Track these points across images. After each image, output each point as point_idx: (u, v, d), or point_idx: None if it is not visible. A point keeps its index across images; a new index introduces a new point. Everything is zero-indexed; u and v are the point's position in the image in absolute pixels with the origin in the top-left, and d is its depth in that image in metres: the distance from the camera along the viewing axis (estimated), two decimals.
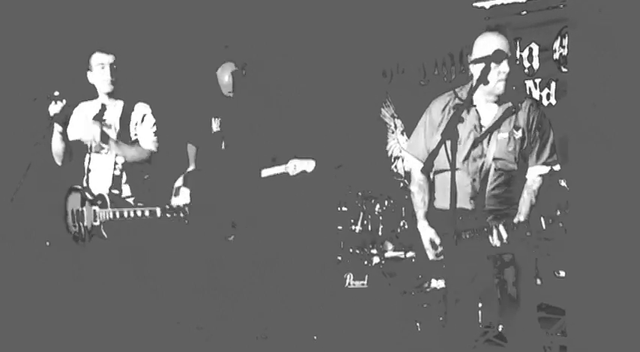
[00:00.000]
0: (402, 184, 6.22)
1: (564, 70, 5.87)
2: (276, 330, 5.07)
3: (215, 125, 5.27)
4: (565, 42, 5.85)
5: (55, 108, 4.18)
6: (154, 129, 4.39)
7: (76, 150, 4.37)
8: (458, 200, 3.43)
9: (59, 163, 4.41)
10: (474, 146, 3.57)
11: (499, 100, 3.58)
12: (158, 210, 4.15)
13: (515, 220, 3.47)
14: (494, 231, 3.43)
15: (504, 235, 3.41)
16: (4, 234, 4.50)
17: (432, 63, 6.87)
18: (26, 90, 5.08)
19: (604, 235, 2.89)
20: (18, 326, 4.67)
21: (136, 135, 4.37)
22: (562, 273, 5.17)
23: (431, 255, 3.67)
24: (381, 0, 6.39)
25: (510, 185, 3.58)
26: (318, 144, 5.06)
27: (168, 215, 4.13)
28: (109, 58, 4.31)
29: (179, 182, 5.33)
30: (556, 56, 5.94)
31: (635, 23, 2.86)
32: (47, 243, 4.71)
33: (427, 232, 3.68)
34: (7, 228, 4.36)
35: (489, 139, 3.57)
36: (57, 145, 4.34)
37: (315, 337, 5.14)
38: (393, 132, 7.24)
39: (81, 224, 4.28)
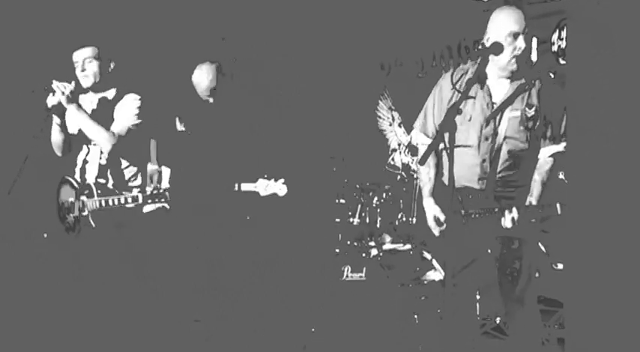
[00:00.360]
0: (399, 176, 6.21)
1: (563, 62, 5.86)
2: (274, 323, 5.08)
3: (179, 125, 5.15)
4: (564, 34, 5.84)
5: (52, 99, 4.17)
6: (134, 117, 4.30)
7: (75, 142, 4.36)
8: (466, 179, 3.45)
9: (59, 154, 4.41)
10: (486, 124, 3.53)
11: (512, 76, 3.52)
12: (140, 196, 4.11)
13: (527, 202, 3.45)
14: (507, 213, 3.40)
15: (516, 217, 3.37)
16: (1, 226, 4.49)
17: (430, 55, 6.87)
18: (23, 83, 5.07)
19: (602, 228, 2.89)
20: (12, 319, 4.67)
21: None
22: (560, 266, 5.18)
23: (436, 231, 3.63)
24: None
25: (520, 168, 3.53)
26: (316, 136, 5.06)
27: (149, 200, 4.10)
28: (82, 54, 4.27)
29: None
30: (554, 48, 5.94)
31: (634, 16, 2.85)
32: (45, 235, 4.70)
33: (432, 209, 3.64)
34: (4, 220, 4.36)
35: (501, 117, 3.51)
36: (56, 137, 4.34)
37: (313, 329, 5.15)
38: (390, 125, 7.23)
39: (71, 215, 4.29)
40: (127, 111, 4.26)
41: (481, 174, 3.53)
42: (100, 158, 4.29)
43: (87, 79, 4.26)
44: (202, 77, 4.74)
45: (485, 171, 3.53)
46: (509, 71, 3.50)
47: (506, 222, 3.38)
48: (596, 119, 2.94)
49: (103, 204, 4.16)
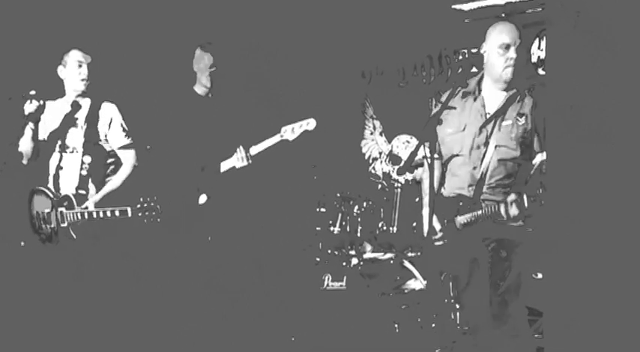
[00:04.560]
0: (380, 186, 6.20)
1: (542, 72, 5.90)
2: (253, 332, 5.05)
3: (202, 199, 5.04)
4: (543, 45, 5.87)
5: (30, 107, 4.15)
6: (124, 133, 4.34)
7: (43, 150, 4.33)
8: (457, 187, 3.50)
9: (25, 162, 4.37)
10: (478, 133, 3.64)
11: (507, 87, 3.66)
12: (129, 210, 4.10)
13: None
14: (514, 203, 3.41)
15: (525, 204, 3.41)
16: None
17: (411, 65, 6.88)
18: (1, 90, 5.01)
19: (581, 237, 2.90)
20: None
21: (106, 136, 4.34)
22: (539, 275, 5.19)
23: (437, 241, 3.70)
24: (359, 1, 6.38)
25: (511, 177, 3.61)
26: (296, 145, 5.04)
27: (139, 214, 4.08)
28: (87, 58, 4.30)
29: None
30: (534, 59, 5.97)
31: (614, 26, 2.87)
32: (22, 243, 4.66)
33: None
34: None
35: (494, 126, 3.62)
36: (27, 144, 4.31)
37: (292, 339, 5.12)
38: (372, 134, 7.23)
39: (48, 226, 4.25)
40: (115, 130, 4.28)
41: (471, 181, 3.56)
42: (82, 168, 4.27)
43: (85, 84, 4.28)
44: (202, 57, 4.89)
45: (475, 178, 3.55)
46: (503, 81, 3.64)
47: (512, 210, 3.39)
48: (574, 128, 2.96)
49: (86, 216, 4.13)
